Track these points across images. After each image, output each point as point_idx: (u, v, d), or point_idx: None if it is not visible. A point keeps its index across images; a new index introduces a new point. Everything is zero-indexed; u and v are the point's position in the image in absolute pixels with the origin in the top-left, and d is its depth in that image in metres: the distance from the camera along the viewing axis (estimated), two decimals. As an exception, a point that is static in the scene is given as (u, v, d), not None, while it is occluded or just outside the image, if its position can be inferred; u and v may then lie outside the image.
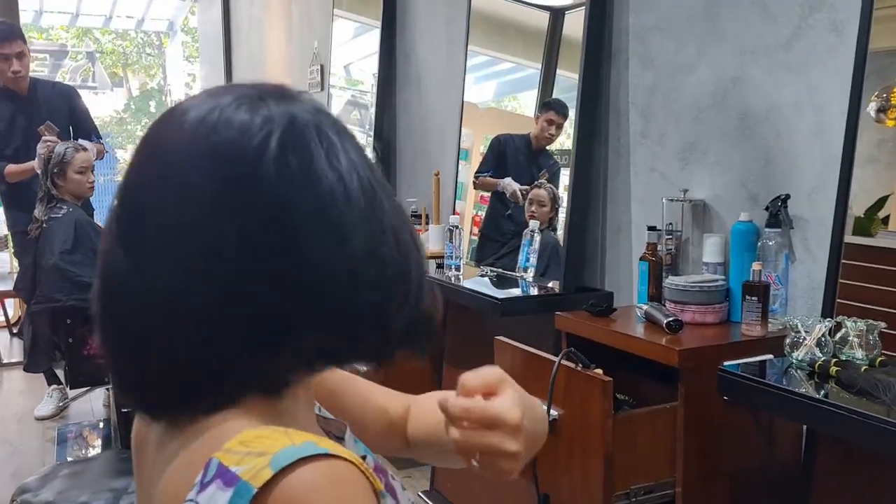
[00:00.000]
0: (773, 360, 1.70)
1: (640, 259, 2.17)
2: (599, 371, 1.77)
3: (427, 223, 3.43)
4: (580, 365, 1.79)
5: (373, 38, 4.07)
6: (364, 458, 0.66)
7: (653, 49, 2.32)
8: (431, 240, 3.30)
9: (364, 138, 4.10)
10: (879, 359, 1.59)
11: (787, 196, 1.88)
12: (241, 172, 0.61)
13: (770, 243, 1.91)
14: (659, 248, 2.17)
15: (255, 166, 0.61)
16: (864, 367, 1.54)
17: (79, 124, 3.92)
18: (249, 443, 0.59)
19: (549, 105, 2.95)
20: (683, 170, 2.22)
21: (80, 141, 3.58)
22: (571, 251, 2.51)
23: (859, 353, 1.60)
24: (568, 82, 2.99)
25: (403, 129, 3.87)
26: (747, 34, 2.02)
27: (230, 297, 0.60)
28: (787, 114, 1.92)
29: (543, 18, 3.04)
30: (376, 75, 4.01)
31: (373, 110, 4.05)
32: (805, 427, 1.76)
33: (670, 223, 2.20)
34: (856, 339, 1.62)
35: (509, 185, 2.98)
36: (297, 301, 0.61)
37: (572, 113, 2.57)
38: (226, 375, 0.63)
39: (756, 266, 1.83)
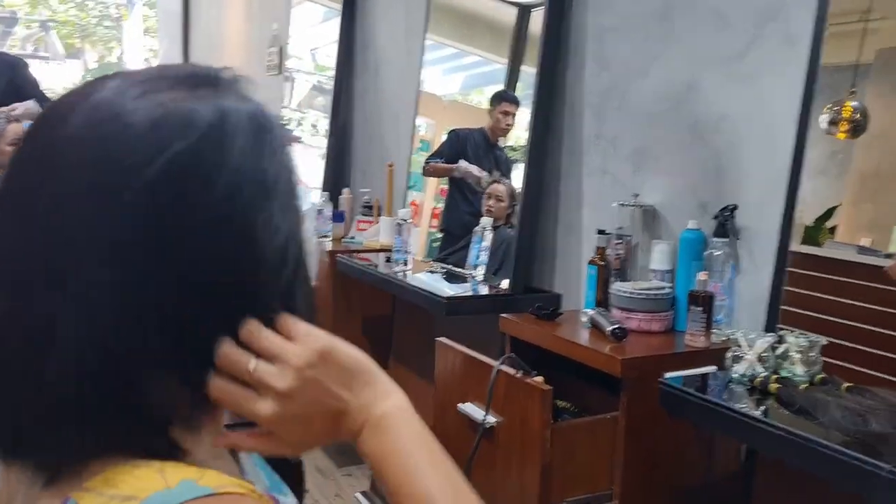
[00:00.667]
0: (715, 372, 1.69)
1: (589, 263, 2.14)
2: (540, 378, 1.74)
3: (379, 215, 3.38)
4: (520, 371, 1.76)
5: (337, 24, 3.99)
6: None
7: (610, 50, 2.29)
8: (382, 232, 3.24)
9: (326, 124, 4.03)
10: (819, 376, 1.58)
11: (735, 206, 1.87)
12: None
13: (717, 253, 1.89)
14: (608, 252, 2.15)
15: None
16: (803, 385, 1.53)
17: (20, 96, 3.76)
18: (115, 482, 0.52)
19: (502, 97, 2.92)
20: (635, 174, 2.20)
21: (15, 105, 3.40)
22: (522, 250, 2.48)
23: (800, 370, 1.60)
24: (533, 79, 2.96)
25: (360, 117, 3.80)
26: (702, 41, 2.00)
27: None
28: (739, 124, 1.90)
29: (511, 14, 3.01)
30: (336, 62, 3.93)
31: (331, 98, 3.97)
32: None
33: (620, 227, 2.18)
34: (797, 356, 1.61)
35: (465, 168, 2.93)
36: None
37: (529, 109, 2.52)
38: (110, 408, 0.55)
39: (702, 276, 1.81)
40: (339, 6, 3.91)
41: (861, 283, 1.71)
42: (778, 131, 1.81)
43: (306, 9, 4.56)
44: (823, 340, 1.61)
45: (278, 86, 4.56)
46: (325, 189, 3.71)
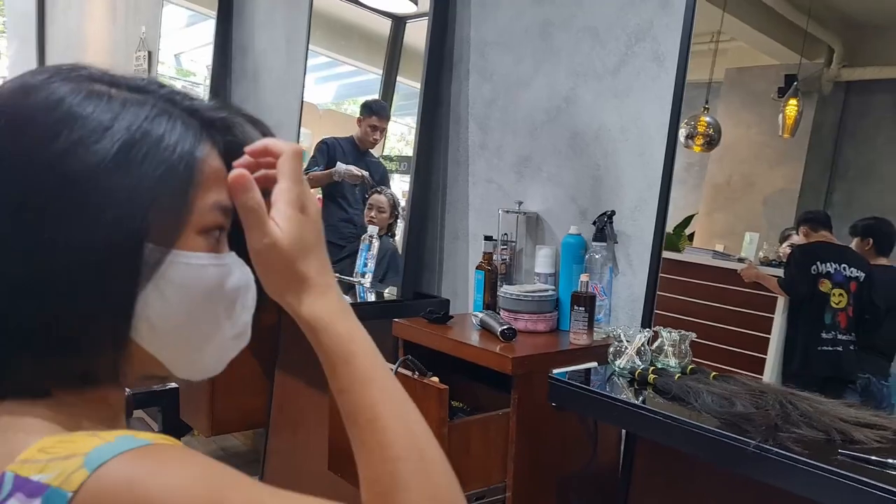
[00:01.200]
0: (597, 367, 1.81)
1: (477, 268, 2.23)
2: (436, 379, 1.81)
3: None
4: (416, 373, 1.82)
5: (207, 28, 3.91)
6: None
7: (492, 62, 2.39)
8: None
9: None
10: (690, 366, 1.73)
11: (613, 212, 2.00)
12: None
13: (596, 256, 2.02)
14: (494, 257, 2.24)
15: None
16: (677, 375, 1.67)
17: None
18: (50, 449, 0.55)
19: (371, 109, 2.97)
20: (519, 182, 2.31)
21: None
22: (410, 257, 2.54)
23: (673, 362, 1.74)
24: (408, 89, 3.04)
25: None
26: (579, 57, 2.13)
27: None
28: (614, 135, 2.04)
29: (385, 25, 3.06)
30: (210, 67, 3.86)
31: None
32: (624, 431, 1.88)
33: (505, 233, 2.28)
34: (670, 349, 1.76)
35: (345, 169, 2.95)
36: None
37: (413, 121, 2.60)
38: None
39: (584, 277, 1.94)
40: (206, 10, 3.85)
41: (717, 285, 1.90)
42: (649, 142, 1.96)
43: (170, 11, 4.45)
44: (692, 335, 1.77)
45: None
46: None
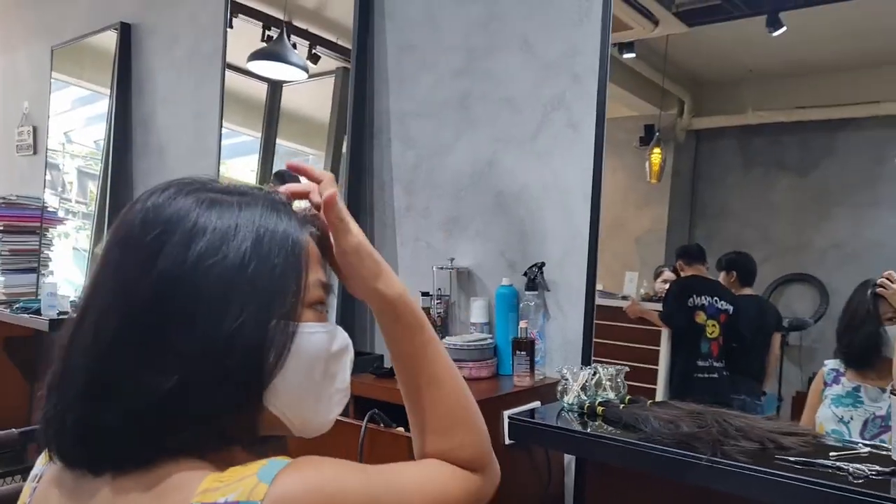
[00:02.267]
0: (544, 406, 1.98)
1: (417, 323, 2.37)
2: (401, 429, 1.91)
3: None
4: (382, 424, 1.93)
5: (100, 106, 3.90)
6: None
7: (413, 131, 2.57)
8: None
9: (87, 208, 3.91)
10: (628, 397, 1.93)
11: (543, 263, 2.20)
12: None
13: (530, 304, 2.21)
14: (432, 312, 2.39)
15: None
16: (621, 405, 1.86)
17: None
18: (220, 480, 0.66)
19: (284, 179, 3.07)
20: (448, 240, 2.47)
21: None
22: (345, 316, 2.64)
23: (611, 394, 1.93)
24: (287, 150, 3.17)
25: (142, 198, 3.73)
26: (499, 125, 2.35)
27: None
28: (537, 193, 2.26)
29: (262, 89, 3.16)
30: (103, 142, 3.84)
31: (99, 180, 3.86)
32: (575, 459, 2.04)
33: (440, 288, 2.43)
34: (607, 383, 1.96)
35: None
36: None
37: (341, 186, 2.72)
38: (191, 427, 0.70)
39: (523, 324, 2.12)
40: (99, 87, 3.86)
41: (606, 322, 2.11)
42: (570, 198, 2.18)
43: (59, 88, 4.39)
44: (626, 369, 1.97)
45: (35, 167, 4.34)
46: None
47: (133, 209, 0.76)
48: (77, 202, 4.28)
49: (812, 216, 1.96)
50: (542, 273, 2.21)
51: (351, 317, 2.68)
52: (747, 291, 1.99)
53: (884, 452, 1.51)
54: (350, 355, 0.85)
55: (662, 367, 2.09)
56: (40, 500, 0.78)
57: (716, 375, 2.08)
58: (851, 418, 1.74)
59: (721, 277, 2.02)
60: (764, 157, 2.07)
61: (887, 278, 1.72)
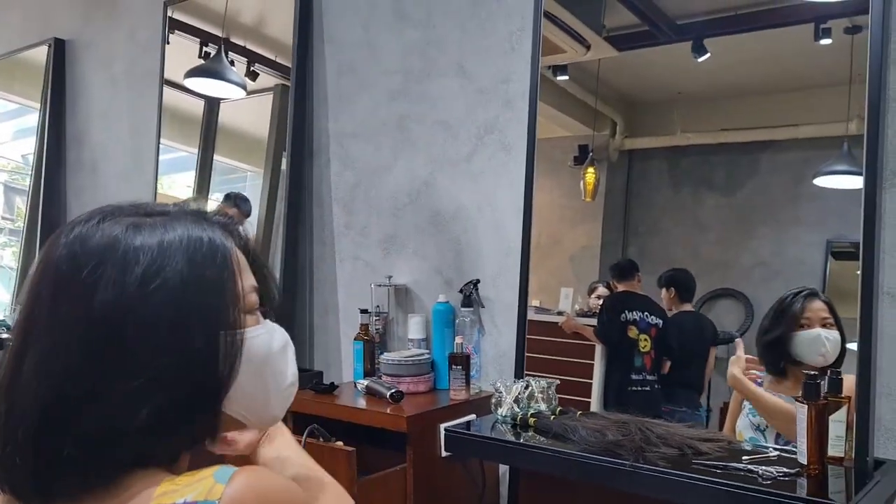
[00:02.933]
0: (479, 418, 2.06)
1: (356, 339, 2.42)
2: (340, 443, 1.96)
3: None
4: (321, 439, 1.97)
5: (25, 119, 3.85)
6: None
7: (352, 151, 2.63)
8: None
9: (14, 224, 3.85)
10: (558, 409, 2.02)
11: (478, 280, 2.29)
12: None
13: (466, 320, 2.28)
14: (370, 328, 2.45)
15: None
16: (552, 416, 1.95)
17: None
18: (178, 482, 0.71)
19: (235, 202, 3.09)
20: (385, 258, 2.54)
21: None
22: (282, 335, 2.67)
23: (543, 406, 2.02)
24: (224, 167, 3.19)
25: (74, 215, 3.68)
26: (434, 146, 2.43)
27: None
28: (472, 213, 2.34)
29: (199, 105, 3.18)
30: (33, 157, 3.79)
31: (28, 196, 3.80)
32: (509, 469, 2.12)
33: (378, 305, 2.49)
34: (539, 395, 2.04)
35: None
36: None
37: (281, 206, 2.76)
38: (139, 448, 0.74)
39: (459, 339, 2.19)
40: (27, 102, 3.81)
41: (541, 337, 2.18)
42: (504, 218, 2.27)
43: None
44: (557, 382, 2.06)
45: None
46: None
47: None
48: (3, 218, 4.20)
49: (738, 234, 2.05)
50: (476, 290, 2.29)
51: (289, 330, 2.71)
52: (686, 307, 2.06)
53: (791, 456, 1.62)
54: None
55: (597, 381, 2.17)
56: None
57: (648, 388, 2.17)
58: (767, 426, 1.86)
59: (661, 294, 2.10)
60: (692, 176, 2.16)
61: None
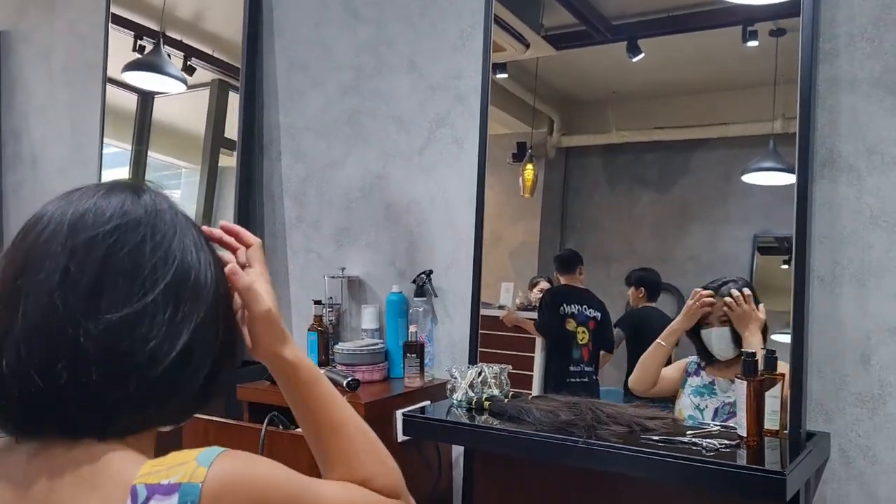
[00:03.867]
0: (434, 404, 2.12)
1: (310, 330, 2.45)
2: (300, 430, 1.99)
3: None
4: (281, 426, 2.00)
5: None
6: None
7: (304, 145, 2.66)
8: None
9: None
10: (511, 393, 2.09)
11: (431, 271, 2.34)
12: None
13: (419, 310, 2.34)
14: (324, 319, 2.48)
15: None
16: (506, 400, 2.02)
17: None
18: (162, 463, 0.74)
19: None
20: (338, 250, 2.57)
21: None
22: (234, 328, 2.67)
23: (496, 391, 2.08)
24: (159, 163, 3.17)
25: (14, 211, 3.60)
26: (387, 141, 2.48)
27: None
28: (424, 206, 2.40)
29: (132, 100, 3.14)
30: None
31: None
32: (463, 454, 2.18)
33: (331, 297, 2.53)
34: (492, 381, 2.11)
35: None
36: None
37: (218, 202, 2.77)
38: (129, 408, 0.77)
39: (413, 328, 2.25)
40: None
41: (484, 331, 2.23)
42: (455, 211, 2.33)
43: None
44: (509, 367, 2.13)
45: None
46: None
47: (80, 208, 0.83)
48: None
49: (672, 230, 2.13)
50: (430, 280, 2.35)
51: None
52: (651, 304, 2.13)
53: (731, 430, 1.73)
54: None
55: (537, 372, 2.24)
56: None
57: (587, 379, 2.25)
58: (706, 406, 1.97)
59: (629, 292, 2.16)
60: (627, 174, 2.23)
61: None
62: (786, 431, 1.72)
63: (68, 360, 0.74)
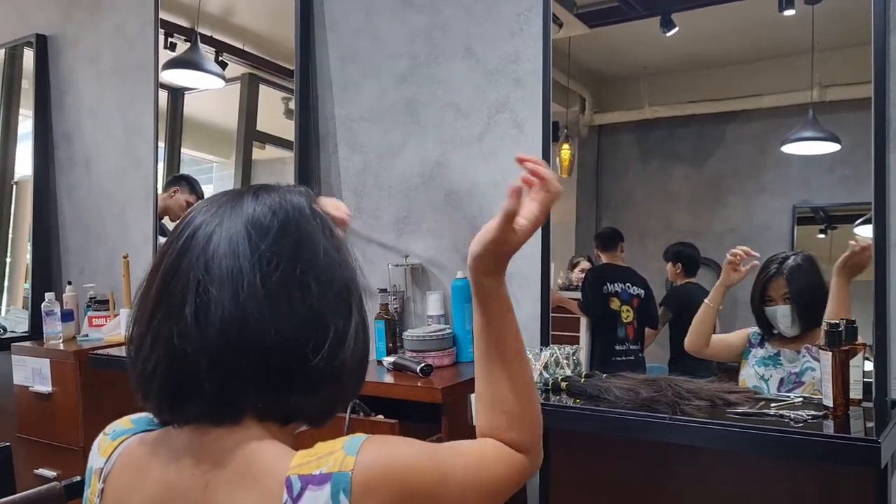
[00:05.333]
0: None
1: (377, 318, 2.48)
2: (381, 416, 2.03)
3: (115, 308, 3.31)
4: (362, 413, 2.03)
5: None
6: None
7: (360, 136, 2.68)
8: (124, 325, 3.20)
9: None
10: (584, 373, 2.11)
11: (497, 255, 2.35)
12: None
13: (486, 294, 2.35)
14: (389, 307, 2.51)
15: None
16: (582, 380, 2.04)
17: None
18: (312, 454, 0.77)
19: (188, 183, 3.14)
20: (400, 238, 2.60)
21: None
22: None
23: (568, 371, 2.11)
24: (191, 159, 3.22)
25: (70, 213, 3.67)
26: (445, 127, 2.49)
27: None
28: (487, 190, 2.41)
29: (162, 97, 3.18)
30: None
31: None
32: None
33: (394, 285, 2.55)
34: (565, 361, 2.13)
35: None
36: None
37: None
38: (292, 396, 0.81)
39: (482, 313, 2.26)
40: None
41: None
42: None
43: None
44: (581, 348, 2.15)
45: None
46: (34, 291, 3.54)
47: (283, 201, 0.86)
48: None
49: (708, 203, 2.14)
50: (495, 264, 2.36)
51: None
52: (692, 280, 2.15)
53: (815, 401, 1.74)
54: None
55: (583, 352, 2.25)
56: (122, 476, 0.86)
57: (633, 357, 2.26)
58: (770, 377, 1.98)
59: (667, 268, 2.18)
60: (661, 149, 2.24)
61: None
62: (867, 402, 1.73)
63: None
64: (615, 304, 2.27)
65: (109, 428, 0.93)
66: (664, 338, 2.20)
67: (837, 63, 1.93)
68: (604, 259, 2.28)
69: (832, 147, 1.80)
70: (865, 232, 1.78)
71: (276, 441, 0.81)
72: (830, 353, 1.67)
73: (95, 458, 0.91)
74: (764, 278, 1.96)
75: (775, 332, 1.98)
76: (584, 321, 2.28)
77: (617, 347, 2.27)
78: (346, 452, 0.75)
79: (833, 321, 1.70)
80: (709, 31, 2.18)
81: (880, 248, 1.74)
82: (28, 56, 3.73)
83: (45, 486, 1.48)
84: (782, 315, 1.94)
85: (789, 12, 1.95)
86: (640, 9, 2.23)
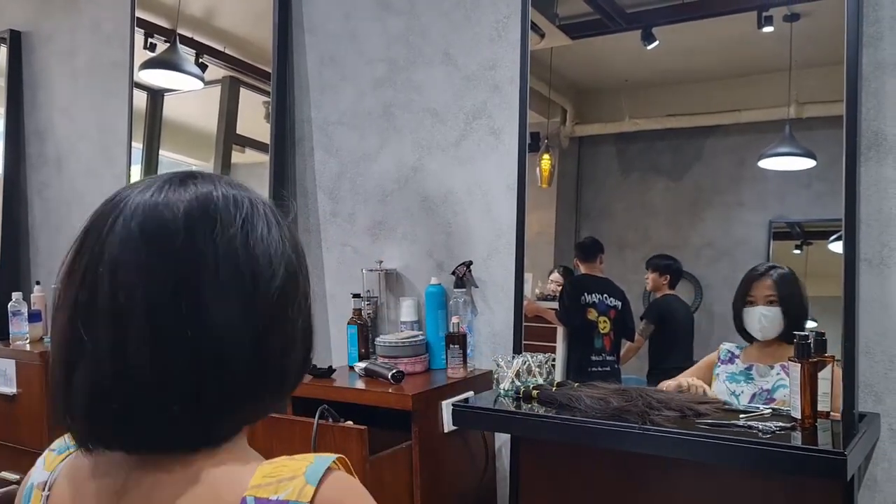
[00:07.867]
0: (477, 395, 2.13)
1: (349, 323, 2.46)
2: (350, 423, 2.01)
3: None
4: (331, 419, 2.01)
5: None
6: None
7: (337, 140, 2.66)
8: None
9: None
10: (556, 381, 2.10)
11: (471, 262, 2.35)
12: None
13: (459, 301, 2.35)
14: (362, 312, 2.49)
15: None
16: (553, 388, 2.03)
17: None
18: (272, 475, 0.73)
19: None
20: (374, 244, 2.58)
21: None
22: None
23: (541, 380, 2.10)
24: (170, 161, 3.18)
25: (40, 212, 3.61)
26: (422, 133, 2.48)
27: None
28: (462, 197, 2.41)
29: (140, 98, 3.15)
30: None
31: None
32: (509, 443, 2.19)
33: (368, 290, 2.54)
34: (536, 369, 2.12)
35: None
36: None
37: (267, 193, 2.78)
38: (236, 412, 0.76)
39: (455, 319, 2.26)
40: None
41: None
42: (494, 201, 2.34)
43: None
44: (553, 356, 2.14)
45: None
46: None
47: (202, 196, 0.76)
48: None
49: (686, 217, 2.14)
50: (469, 271, 2.36)
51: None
52: (672, 292, 2.14)
53: (784, 412, 1.74)
54: None
55: (559, 362, 2.25)
56: (64, 493, 0.80)
57: (608, 368, 2.26)
58: (742, 392, 1.98)
59: (650, 276, 2.17)
60: (640, 161, 2.24)
61: None
62: (835, 413, 1.73)
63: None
64: (592, 314, 2.26)
65: (55, 444, 0.89)
66: (643, 349, 2.20)
67: (814, 80, 1.95)
68: (583, 269, 2.28)
69: (808, 163, 1.81)
70: (840, 248, 1.79)
71: (229, 460, 0.76)
72: (800, 364, 1.68)
73: (40, 474, 0.87)
74: (748, 279, 1.96)
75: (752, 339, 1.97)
76: (560, 331, 2.28)
77: (593, 358, 2.27)
78: (306, 480, 0.71)
79: (802, 333, 1.71)
80: (689, 46, 2.20)
81: (850, 263, 1.76)
82: (1, 52, 3.68)
83: (3, 490, 1.46)
84: (762, 315, 1.93)
85: (768, 29, 1.97)
86: (622, 22, 2.24)
